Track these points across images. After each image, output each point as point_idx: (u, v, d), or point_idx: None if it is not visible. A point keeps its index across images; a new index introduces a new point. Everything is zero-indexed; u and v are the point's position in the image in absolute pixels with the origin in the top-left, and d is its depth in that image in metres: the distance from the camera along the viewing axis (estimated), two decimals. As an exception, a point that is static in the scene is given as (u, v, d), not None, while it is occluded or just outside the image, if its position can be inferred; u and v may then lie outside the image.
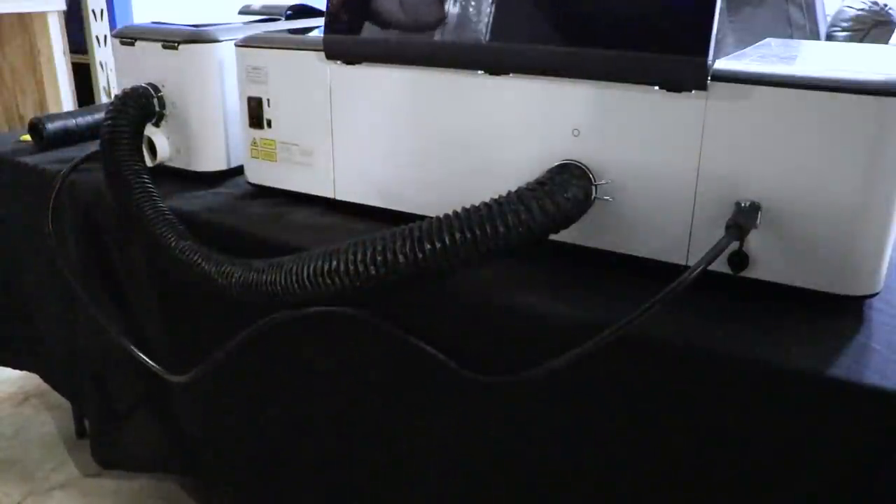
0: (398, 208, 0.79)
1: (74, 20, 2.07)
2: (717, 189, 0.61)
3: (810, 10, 1.07)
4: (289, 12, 1.07)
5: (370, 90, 0.77)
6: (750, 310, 0.61)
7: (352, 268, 0.61)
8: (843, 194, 0.57)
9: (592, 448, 0.63)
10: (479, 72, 0.70)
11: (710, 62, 0.59)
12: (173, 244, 0.78)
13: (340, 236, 0.77)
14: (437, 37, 0.72)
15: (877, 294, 0.61)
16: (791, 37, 1.04)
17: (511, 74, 0.68)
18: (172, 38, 0.91)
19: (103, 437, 1.07)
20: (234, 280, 0.70)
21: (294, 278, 0.65)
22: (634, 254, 0.67)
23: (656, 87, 0.61)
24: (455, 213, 0.60)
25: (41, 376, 1.25)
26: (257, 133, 0.87)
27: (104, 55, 2.12)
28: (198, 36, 0.91)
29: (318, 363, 0.78)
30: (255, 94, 0.86)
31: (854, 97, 0.55)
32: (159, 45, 0.92)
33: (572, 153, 0.66)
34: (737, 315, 0.60)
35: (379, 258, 0.60)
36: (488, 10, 0.69)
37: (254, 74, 0.85)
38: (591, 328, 0.54)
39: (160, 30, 0.94)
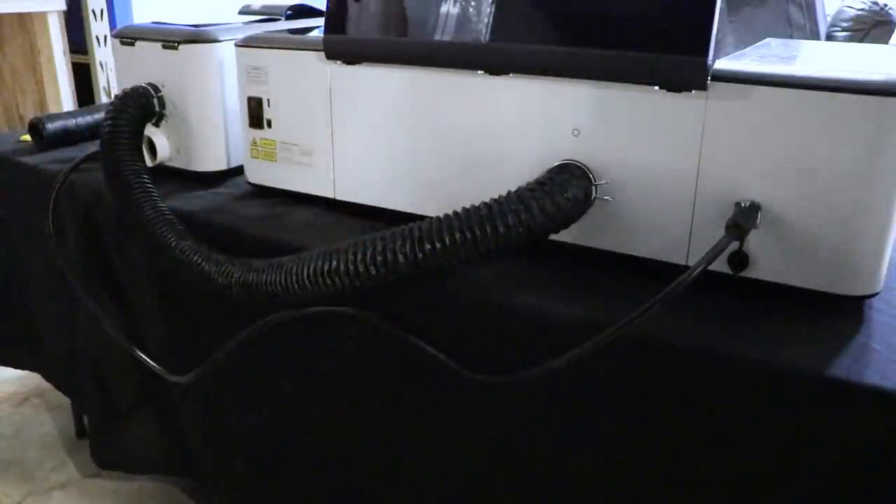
0: (398, 208, 0.79)
1: (74, 20, 2.07)
2: (717, 189, 0.61)
3: (810, 10, 1.07)
4: (289, 12, 1.07)
5: (370, 90, 0.77)
6: (750, 310, 0.61)
7: (352, 268, 0.61)
8: (843, 194, 0.57)
9: (592, 448, 0.63)
10: (479, 72, 0.70)
11: (710, 62, 0.59)
12: (173, 244, 0.78)
13: (340, 236, 0.77)
14: (437, 37, 0.72)
15: (877, 294, 0.61)
16: (791, 37, 1.04)
17: (511, 74, 0.68)
18: (172, 38, 0.91)
19: (103, 438, 1.07)
20: (234, 280, 0.70)
21: (294, 278, 0.65)
22: (634, 254, 0.67)
23: (656, 87, 0.61)
24: (455, 213, 0.60)
25: (42, 375, 1.25)
26: (257, 133, 0.87)
27: (104, 55, 2.12)
28: (198, 36, 0.91)
29: (318, 363, 0.78)
30: (255, 94, 0.86)
31: (854, 97, 0.55)
32: (159, 45, 0.92)
33: (572, 153, 0.66)
34: (737, 315, 0.60)
35: (379, 258, 0.60)
36: (488, 10, 0.69)
37: (254, 74, 0.85)
38: (591, 328, 0.54)
39: (160, 30, 0.94)
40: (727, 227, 0.58)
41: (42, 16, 1.94)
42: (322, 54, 0.79)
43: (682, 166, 0.62)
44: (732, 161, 0.60)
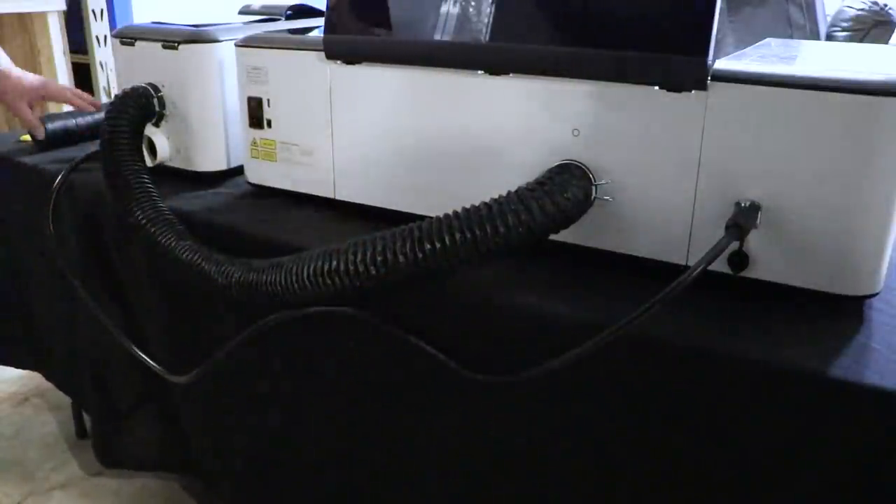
0: (398, 208, 0.79)
1: (74, 20, 2.07)
2: (717, 189, 0.61)
3: (810, 10, 1.07)
4: (289, 12, 1.07)
5: (370, 90, 0.77)
6: (750, 310, 0.61)
7: (352, 268, 0.61)
8: (842, 194, 0.57)
9: (592, 448, 0.63)
10: (479, 72, 0.70)
11: (710, 62, 0.59)
12: (173, 244, 0.78)
13: (340, 236, 0.77)
14: (437, 37, 0.72)
15: (877, 294, 0.61)
16: (791, 37, 1.04)
17: (511, 74, 0.68)
18: (172, 38, 0.91)
19: (105, 437, 1.07)
20: (234, 280, 0.70)
21: (294, 278, 0.65)
22: (634, 254, 0.66)
23: (656, 87, 0.61)
24: (455, 213, 0.60)
25: (43, 375, 1.25)
26: (257, 133, 0.87)
27: (104, 55, 2.12)
28: (198, 36, 0.91)
29: (318, 363, 0.78)
30: (255, 94, 0.86)
31: (854, 97, 0.55)
32: (159, 45, 0.92)
33: (572, 153, 0.66)
34: (737, 315, 0.60)
35: (379, 258, 0.60)
36: (488, 10, 0.69)
37: (254, 74, 0.85)
38: (591, 328, 0.54)
39: (160, 30, 0.94)
40: (727, 227, 0.58)
41: (42, 16, 1.94)
42: (322, 54, 0.79)
43: (682, 166, 0.62)
44: (732, 161, 0.60)
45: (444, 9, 0.72)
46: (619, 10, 0.63)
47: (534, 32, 0.67)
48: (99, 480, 1.25)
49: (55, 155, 1.08)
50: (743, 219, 0.58)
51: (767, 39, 0.80)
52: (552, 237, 0.63)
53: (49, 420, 1.42)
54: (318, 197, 0.85)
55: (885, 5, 2.62)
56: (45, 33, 1.95)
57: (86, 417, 1.35)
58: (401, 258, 0.60)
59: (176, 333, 0.92)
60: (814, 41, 0.93)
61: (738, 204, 0.60)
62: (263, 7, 1.14)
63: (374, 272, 0.61)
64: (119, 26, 1.01)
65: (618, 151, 0.64)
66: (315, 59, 0.79)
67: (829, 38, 2.60)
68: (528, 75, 0.67)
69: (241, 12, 1.16)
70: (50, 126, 1.10)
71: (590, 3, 0.64)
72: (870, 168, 0.56)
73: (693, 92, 0.60)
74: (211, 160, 0.96)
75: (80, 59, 2.14)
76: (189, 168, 0.96)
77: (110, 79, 2.13)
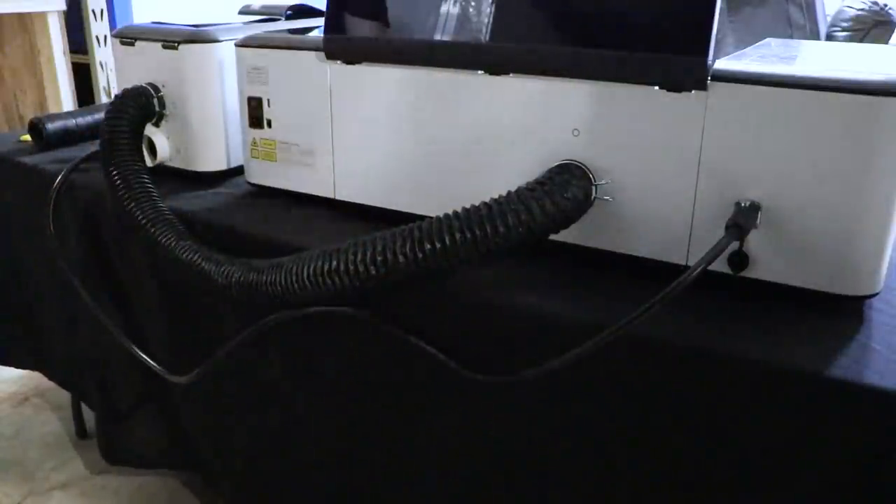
0: (398, 208, 0.79)
1: (74, 20, 2.07)
2: (717, 189, 0.61)
3: (810, 10, 1.07)
4: (289, 12, 1.07)
5: (370, 90, 0.77)
6: (750, 310, 0.61)
7: (352, 268, 0.61)
8: (842, 194, 0.57)
9: (592, 448, 0.63)
10: (479, 72, 0.70)
11: (710, 62, 0.59)
12: (173, 244, 0.78)
13: (340, 236, 0.77)
14: (437, 37, 0.72)
15: (877, 294, 0.61)
16: (791, 37, 1.04)
17: (511, 74, 0.68)
18: (172, 38, 0.91)
19: (108, 435, 1.07)
20: (234, 280, 0.70)
21: (294, 278, 0.65)
22: (634, 254, 0.66)
23: (656, 87, 0.61)
24: (455, 213, 0.60)
25: (45, 374, 1.25)
26: (257, 133, 0.87)
27: (104, 55, 2.12)
28: (198, 36, 0.91)
29: (318, 363, 0.78)
30: (255, 94, 0.86)
31: (854, 97, 0.55)
32: (159, 45, 0.92)
33: (572, 153, 0.66)
34: (737, 315, 0.60)
35: (379, 258, 0.60)
36: (488, 10, 0.69)
37: (254, 74, 0.85)
38: (591, 328, 0.54)
39: (160, 30, 0.94)
40: (727, 227, 0.58)
41: (42, 16, 1.94)
42: (322, 54, 0.79)
43: (682, 166, 0.62)
44: (732, 161, 0.60)
45: (444, 9, 0.72)
46: (618, 10, 0.63)
47: (534, 32, 0.67)
48: (99, 480, 1.25)
49: (55, 155, 1.08)
50: (743, 219, 0.58)
51: (767, 39, 0.80)
52: (552, 237, 0.63)
53: (49, 420, 1.42)
54: (318, 197, 0.85)
55: (885, 5, 2.62)
56: (45, 33, 1.95)
57: (86, 417, 1.35)
58: (401, 258, 0.60)
59: (176, 333, 0.92)
60: (814, 41, 0.93)
61: (738, 204, 0.60)
62: (263, 7, 1.14)
63: (374, 272, 0.61)
64: (119, 26, 1.01)
65: (618, 151, 0.64)
66: (315, 59, 0.79)
67: (829, 38, 2.60)
68: (528, 75, 0.67)
69: (241, 12, 1.16)
70: (50, 126, 1.10)
71: (590, 3, 0.64)
72: (870, 168, 0.56)
73: (693, 92, 0.60)
74: (211, 160, 0.96)
75: (80, 59, 2.14)
76: (189, 168, 0.96)
77: (110, 79, 2.13)
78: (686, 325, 0.58)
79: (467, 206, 0.61)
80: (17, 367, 1.30)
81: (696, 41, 0.59)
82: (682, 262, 0.64)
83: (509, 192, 0.61)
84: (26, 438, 1.36)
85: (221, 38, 0.92)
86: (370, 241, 0.61)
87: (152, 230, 0.80)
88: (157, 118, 0.94)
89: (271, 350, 0.81)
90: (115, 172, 0.83)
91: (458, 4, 0.71)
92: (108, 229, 0.96)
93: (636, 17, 0.62)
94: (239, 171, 0.95)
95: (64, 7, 1.96)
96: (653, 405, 0.58)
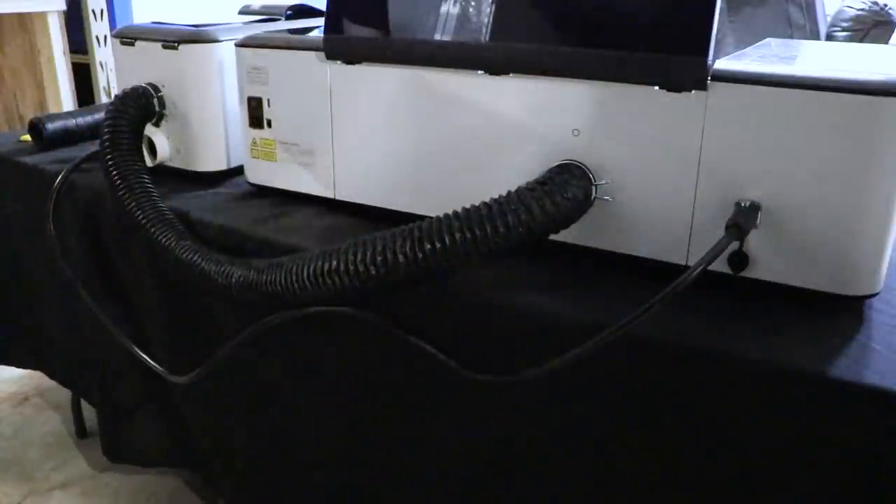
0: (398, 208, 0.79)
1: (74, 20, 2.07)
2: (717, 189, 0.61)
3: (810, 10, 1.07)
4: (289, 12, 1.07)
5: (370, 90, 0.77)
6: (750, 310, 0.61)
7: (352, 268, 0.61)
8: (842, 194, 0.57)
9: (592, 448, 0.63)
10: (479, 72, 0.70)
11: (710, 62, 0.59)
12: (173, 244, 0.78)
13: (340, 236, 0.77)
14: (437, 36, 0.72)
15: (877, 294, 0.61)
16: (791, 37, 1.04)
17: (511, 74, 0.68)
18: (172, 38, 0.91)
19: (110, 434, 1.07)
20: (234, 280, 0.70)
21: (294, 278, 0.65)
22: (634, 254, 0.67)
23: (656, 87, 0.61)
24: (455, 213, 0.60)
25: (46, 374, 1.25)
26: (257, 133, 0.87)
27: (104, 55, 2.12)
28: (198, 36, 0.91)
29: (318, 363, 0.78)
30: (255, 94, 0.86)
31: (854, 97, 0.55)
32: (159, 45, 0.92)
33: (572, 153, 0.66)
34: (737, 315, 0.60)
35: (379, 258, 0.60)
36: (488, 10, 0.69)
37: (254, 74, 0.85)
38: (591, 328, 0.54)
39: (160, 30, 0.94)
40: (727, 227, 0.58)
41: (42, 16, 1.94)
42: (322, 54, 0.79)
43: (682, 166, 0.62)
44: (732, 161, 0.60)
45: (444, 9, 0.72)
46: (618, 10, 0.63)
47: (534, 32, 0.67)
48: (99, 480, 1.25)
49: (55, 155, 1.08)
50: (743, 219, 0.58)
51: (767, 39, 0.80)
52: (552, 237, 0.63)
53: (49, 420, 1.42)
54: (318, 197, 0.85)
55: (885, 5, 2.62)
56: (45, 33, 1.95)
57: (87, 416, 1.35)
58: (401, 258, 0.60)
59: (176, 333, 0.92)
60: (814, 41, 0.93)
61: (738, 204, 0.60)
62: (263, 7, 1.14)
63: (374, 272, 0.61)
64: (119, 26, 1.01)
65: (618, 151, 0.64)
66: (315, 59, 0.79)
67: (829, 38, 2.60)
68: (528, 75, 0.67)
69: (241, 12, 1.16)
70: (50, 126, 1.10)
71: (590, 3, 0.64)
72: (870, 168, 0.56)
73: (693, 92, 0.60)
74: (211, 160, 0.96)
75: (80, 59, 2.14)
76: (189, 168, 0.96)
77: (110, 79, 2.13)
78: (686, 325, 0.58)
79: (467, 206, 0.61)
80: (17, 366, 1.30)
81: (696, 41, 0.59)
82: (682, 262, 0.64)
83: (509, 192, 0.61)
84: (26, 438, 1.37)
85: (221, 38, 0.92)
86: (370, 241, 0.61)
87: (152, 230, 0.80)
88: (157, 118, 0.94)
89: (271, 350, 0.81)
90: (115, 172, 0.83)
91: (458, 4, 0.71)
92: (108, 229, 0.96)
93: (636, 17, 0.62)
94: (239, 171, 0.95)
95: (64, 7, 1.95)
96: (653, 405, 0.58)
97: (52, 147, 1.11)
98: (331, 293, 0.64)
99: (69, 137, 1.13)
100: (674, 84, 0.61)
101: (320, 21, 0.89)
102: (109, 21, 2.13)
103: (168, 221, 0.81)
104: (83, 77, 2.13)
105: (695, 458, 0.58)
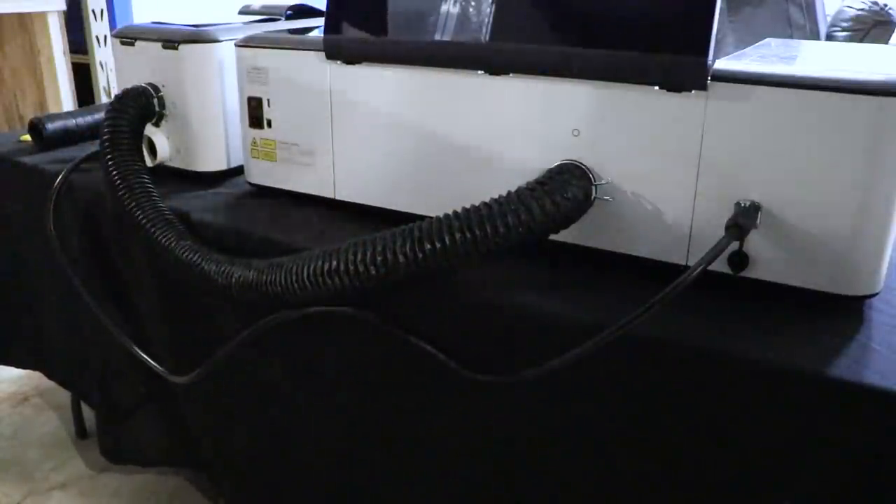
0: (398, 208, 0.79)
1: (74, 20, 2.07)
2: (717, 189, 0.61)
3: (810, 10, 1.07)
4: (289, 12, 1.07)
5: (370, 90, 0.77)
6: (750, 310, 0.61)
7: (352, 268, 0.61)
8: (843, 194, 0.57)
9: (592, 448, 0.63)
10: (479, 72, 0.70)
11: (710, 62, 0.59)
12: (173, 244, 0.78)
13: (340, 236, 0.77)
14: (437, 37, 0.72)
15: (877, 294, 0.61)
16: (791, 37, 1.04)
17: (511, 74, 0.68)
18: (172, 38, 0.91)
19: (109, 434, 1.07)
20: (234, 280, 0.70)
21: (294, 278, 0.65)
22: (634, 254, 0.67)
23: (656, 87, 0.61)
24: (455, 213, 0.60)
25: (45, 374, 1.25)
26: (257, 133, 0.87)
27: (104, 55, 2.12)
28: (198, 36, 0.91)
29: (318, 363, 0.78)
30: (255, 94, 0.86)
31: (854, 97, 0.55)
32: (159, 45, 0.92)
33: (572, 153, 0.66)
34: (737, 315, 0.60)
35: (379, 258, 0.60)
36: (488, 10, 0.69)
37: (254, 74, 0.85)
38: (591, 328, 0.54)
39: (160, 30, 0.94)
40: (727, 227, 0.58)
41: (42, 16, 1.94)
42: (322, 54, 0.79)
43: (682, 166, 0.62)
44: (732, 161, 0.60)
45: (444, 9, 0.72)
46: (618, 10, 0.63)
47: (534, 32, 0.67)
48: (99, 480, 1.25)
49: (55, 155, 1.08)
50: (743, 219, 0.58)
51: (767, 39, 0.80)
52: (552, 237, 0.64)
53: (49, 420, 1.42)
54: (318, 197, 0.85)
55: (885, 5, 2.62)
56: (45, 33, 1.95)
57: (86, 417, 1.35)
58: (401, 258, 0.60)
59: (176, 333, 0.92)
60: (814, 41, 0.93)
61: (738, 204, 0.60)
62: (263, 7, 1.14)
63: (374, 272, 0.61)
64: (119, 26, 1.01)
65: (618, 151, 0.64)
66: (315, 59, 0.79)
67: (829, 38, 2.60)
68: (528, 75, 0.67)
69: (241, 12, 1.16)
70: (50, 126, 1.10)
71: (590, 3, 0.64)
72: (870, 168, 0.56)
73: (693, 92, 0.60)
74: (211, 160, 0.96)
75: (80, 59, 2.14)
76: (189, 168, 0.96)
77: (110, 79, 2.13)
78: (686, 325, 0.58)
79: (467, 206, 0.61)
80: (17, 366, 1.30)
81: (696, 41, 0.59)
82: (682, 262, 0.64)
83: (509, 192, 0.61)
84: (26, 438, 1.36)
85: (221, 38, 0.92)
86: (370, 241, 0.61)
87: (152, 230, 0.80)
88: (157, 118, 0.94)
89: (271, 350, 0.81)
90: (115, 172, 0.83)
91: (458, 4, 0.71)
92: (108, 229, 0.96)
93: (636, 18, 0.62)
94: (239, 171, 0.95)
95: (64, 7, 1.95)
96: (653, 405, 0.58)
97: (52, 147, 1.11)
98: (331, 293, 0.64)
99: (69, 137, 1.13)
100: (674, 84, 0.61)
101: (320, 21, 0.89)
102: (109, 21, 2.13)
103: (168, 221, 0.81)
104: (83, 77, 2.13)
105: (695, 458, 0.58)
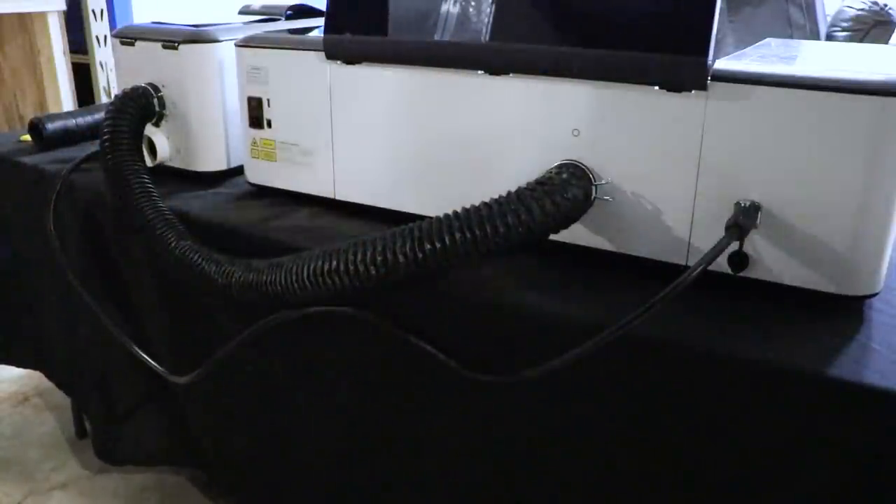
0: (398, 208, 0.79)
1: (74, 20, 2.07)
2: (717, 189, 0.61)
3: (810, 10, 1.07)
4: (289, 12, 1.07)
5: (370, 90, 0.77)
6: (750, 310, 0.61)
7: (352, 268, 0.61)
8: (843, 194, 0.57)
9: (592, 448, 0.63)
10: (479, 72, 0.70)
11: (710, 62, 0.59)
12: (173, 244, 0.78)
13: (341, 236, 0.77)
14: (437, 37, 0.72)
15: (877, 294, 0.61)
16: (791, 37, 1.05)
17: (511, 74, 0.68)
18: (172, 38, 0.91)
19: (106, 436, 1.07)
20: (234, 280, 0.70)
21: (294, 278, 0.65)
22: (634, 254, 0.67)
23: (656, 87, 0.61)
24: (455, 213, 0.60)
25: (44, 374, 1.25)
26: (257, 133, 0.87)
27: (104, 55, 2.12)
28: (198, 36, 0.91)
29: (319, 363, 0.78)
30: (255, 94, 0.86)
31: (854, 97, 0.55)
32: (159, 45, 0.92)
33: (572, 153, 0.66)
34: (737, 315, 0.60)
35: (379, 258, 0.60)
36: (488, 10, 0.69)
37: (254, 74, 0.85)
38: (591, 328, 0.54)
39: (160, 30, 0.94)
40: (727, 227, 0.58)
41: (42, 16, 1.94)
42: (322, 54, 0.79)
43: (682, 166, 0.62)
44: (732, 161, 0.60)
45: (444, 9, 0.72)
46: (618, 10, 0.63)
47: (534, 32, 0.67)
48: (99, 480, 1.25)
49: (55, 155, 1.08)
50: (743, 219, 0.58)
51: (767, 39, 0.80)
52: (552, 237, 0.63)
53: (49, 420, 1.42)
54: (318, 197, 0.85)
55: (885, 5, 2.62)
56: (45, 33, 1.95)
57: (87, 417, 1.35)
58: (401, 258, 0.60)
59: (176, 333, 0.92)
60: (814, 41, 0.93)
61: (738, 204, 0.60)
62: (263, 7, 1.14)
63: (374, 272, 0.61)
64: (119, 26, 1.01)
65: (618, 151, 0.64)
66: (315, 59, 0.79)
67: (829, 38, 2.60)
68: (528, 75, 0.67)
69: (241, 12, 1.16)
70: (50, 126, 1.10)
71: (590, 3, 0.64)
72: (870, 168, 0.56)
73: (693, 92, 0.60)
74: (211, 160, 0.96)
75: (80, 59, 2.14)
76: (189, 168, 0.96)
77: (110, 79, 2.13)
78: (686, 325, 0.58)
79: (467, 206, 0.61)
80: (18, 365, 1.30)
81: (696, 41, 0.59)
82: (682, 262, 0.64)
83: (509, 192, 0.61)
84: (26, 438, 1.36)
85: (221, 38, 0.92)
86: (370, 241, 0.61)
87: (152, 230, 0.80)
88: (157, 118, 0.94)
89: (271, 350, 0.81)
90: (115, 172, 0.83)
91: (458, 4, 0.71)
92: (108, 229, 0.96)
93: (636, 17, 0.62)
94: (239, 171, 0.95)
95: (64, 7, 1.95)
96: (653, 405, 0.58)
97: (52, 147, 1.11)
98: (331, 293, 0.64)
99: (69, 137, 1.13)
100: (674, 84, 0.61)
101: (320, 21, 0.89)
102: (109, 21, 2.13)
103: (168, 221, 0.81)
104: (83, 77, 2.13)
105: (695, 458, 0.58)
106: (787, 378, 0.53)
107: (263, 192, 0.90)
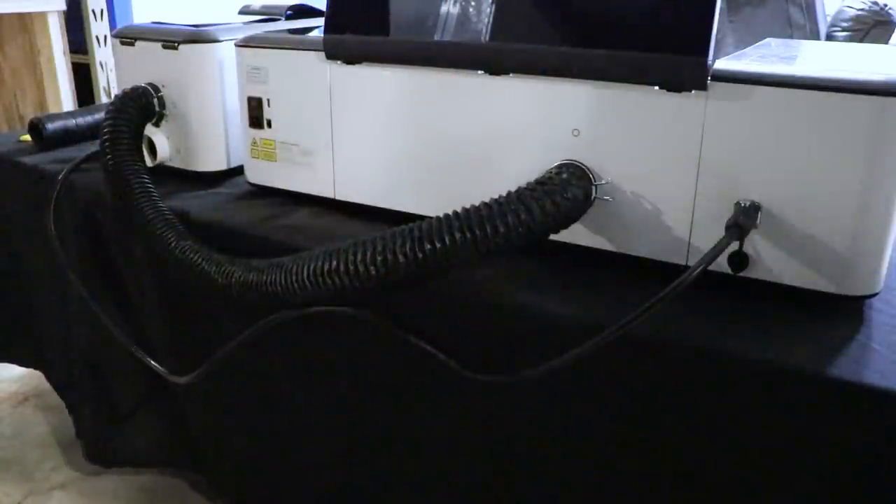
0: (398, 208, 0.79)
1: (74, 20, 2.07)
2: (717, 189, 0.61)
3: (810, 10, 1.07)
4: (289, 12, 1.07)
5: (370, 90, 0.77)
6: (750, 310, 0.61)
7: (352, 268, 0.61)
8: (843, 194, 0.57)
9: (592, 448, 0.63)
10: (479, 72, 0.70)
11: (710, 62, 0.59)
12: (173, 244, 0.78)
13: (340, 236, 0.77)
14: (437, 37, 0.72)
15: (877, 294, 0.61)
16: (791, 37, 1.05)
17: (511, 74, 0.68)
18: (172, 38, 0.91)
19: (102, 437, 1.07)
20: (234, 280, 0.70)
21: (294, 278, 0.65)
22: (634, 254, 0.67)
23: (656, 87, 0.61)
24: (455, 213, 0.60)
25: (45, 375, 1.25)
26: (257, 133, 0.87)
27: (104, 55, 2.12)
28: (198, 36, 0.91)
29: (319, 363, 0.78)
30: (255, 94, 0.86)
31: (854, 97, 0.55)
32: (159, 45, 0.92)
33: (572, 153, 0.66)
34: (737, 315, 0.60)
35: (379, 258, 0.60)
36: (488, 10, 0.69)
37: (254, 74, 0.85)
38: (591, 328, 0.54)
39: (160, 30, 0.94)
40: (727, 227, 0.58)
41: (42, 16, 1.94)
42: (322, 54, 0.79)
43: (682, 166, 0.62)
44: (732, 161, 0.60)
45: (444, 9, 0.72)
46: (618, 11, 0.63)
47: (534, 32, 0.67)
48: (99, 480, 1.25)
49: (55, 155, 1.08)
50: (743, 219, 0.58)
51: (767, 39, 0.80)
52: (552, 237, 0.63)
53: (49, 420, 1.42)
54: (318, 197, 0.85)
55: (885, 5, 2.62)
56: (45, 33, 1.95)
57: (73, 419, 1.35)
58: (401, 258, 0.60)
59: (176, 333, 0.92)
60: (814, 41, 0.93)
61: (738, 204, 0.60)
62: (263, 7, 1.14)
63: (374, 272, 0.61)
64: (119, 26, 1.01)
65: (618, 151, 0.64)
66: (315, 59, 0.79)
67: (829, 38, 2.60)
68: (528, 75, 0.67)
69: (241, 12, 1.16)
70: (50, 126, 1.10)
71: (590, 3, 0.64)
72: (870, 168, 0.56)
73: (693, 92, 0.60)
74: (211, 160, 0.96)
75: (80, 59, 2.14)
76: (189, 168, 0.96)
77: (110, 79, 2.13)
78: (686, 325, 0.58)
79: (467, 206, 0.61)
80: (20, 365, 1.30)
81: (696, 41, 0.59)
82: (682, 262, 0.64)
83: (509, 192, 0.61)
84: (26, 438, 1.36)
85: (221, 38, 0.92)
86: (370, 241, 0.61)
87: (152, 230, 0.80)
88: (157, 118, 0.94)
89: (271, 350, 0.81)
90: (115, 172, 0.83)
91: (458, 4, 0.71)
92: (108, 229, 0.96)
93: (636, 17, 0.62)
94: (239, 171, 0.95)
95: (64, 7, 1.96)
96: (653, 405, 0.58)
97: (52, 147, 1.11)
98: (331, 293, 0.64)
99: (69, 137, 1.13)
100: (674, 84, 0.61)
101: (320, 21, 0.89)
102: (109, 21, 2.13)
103: (168, 221, 0.81)
104: (83, 77, 2.13)
105: (694, 458, 0.58)
106: (787, 378, 0.53)
107: (263, 192, 0.90)
